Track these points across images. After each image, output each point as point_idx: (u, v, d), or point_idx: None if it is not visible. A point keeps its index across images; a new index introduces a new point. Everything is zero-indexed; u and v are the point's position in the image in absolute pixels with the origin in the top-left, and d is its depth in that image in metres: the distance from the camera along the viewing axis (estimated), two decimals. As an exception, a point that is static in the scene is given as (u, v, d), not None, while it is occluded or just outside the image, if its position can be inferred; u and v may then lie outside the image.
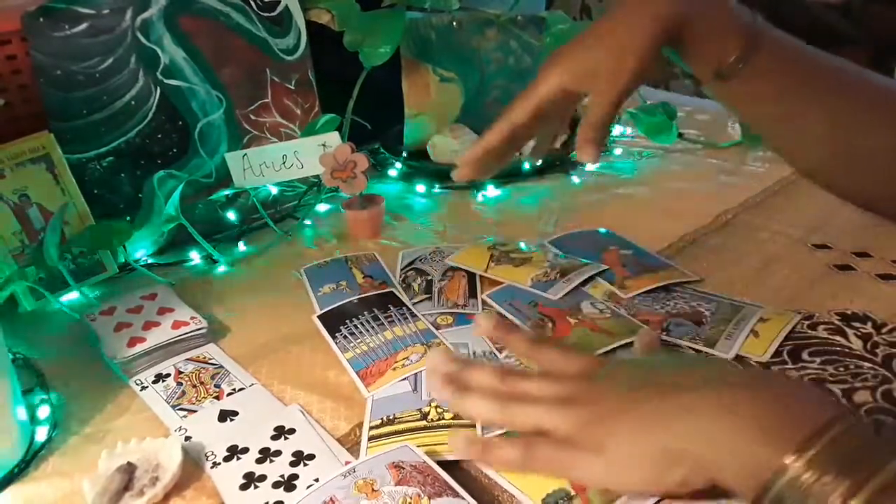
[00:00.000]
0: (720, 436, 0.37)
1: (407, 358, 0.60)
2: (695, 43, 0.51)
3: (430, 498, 0.45)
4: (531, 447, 0.43)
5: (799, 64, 0.53)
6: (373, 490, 0.45)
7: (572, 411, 0.43)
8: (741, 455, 0.35)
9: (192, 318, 0.66)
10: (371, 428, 0.53)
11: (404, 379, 0.58)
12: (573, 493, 0.46)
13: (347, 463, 0.50)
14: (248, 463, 0.51)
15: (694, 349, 0.58)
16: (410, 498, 0.45)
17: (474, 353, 0.60)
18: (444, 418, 0.53)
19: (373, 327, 0.64)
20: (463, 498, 0.45)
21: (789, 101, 0.53)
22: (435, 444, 0.51)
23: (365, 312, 0.66)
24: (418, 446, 0.50)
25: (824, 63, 0.54)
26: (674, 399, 0.40)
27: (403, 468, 0.47)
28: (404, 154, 0.97)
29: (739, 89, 0.52)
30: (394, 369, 0.59)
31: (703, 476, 0.38)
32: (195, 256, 0.80)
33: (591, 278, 0.69)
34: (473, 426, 0.52)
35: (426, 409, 0.55)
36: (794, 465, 0.33)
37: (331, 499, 0.45)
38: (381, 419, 0.54)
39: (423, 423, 0.53)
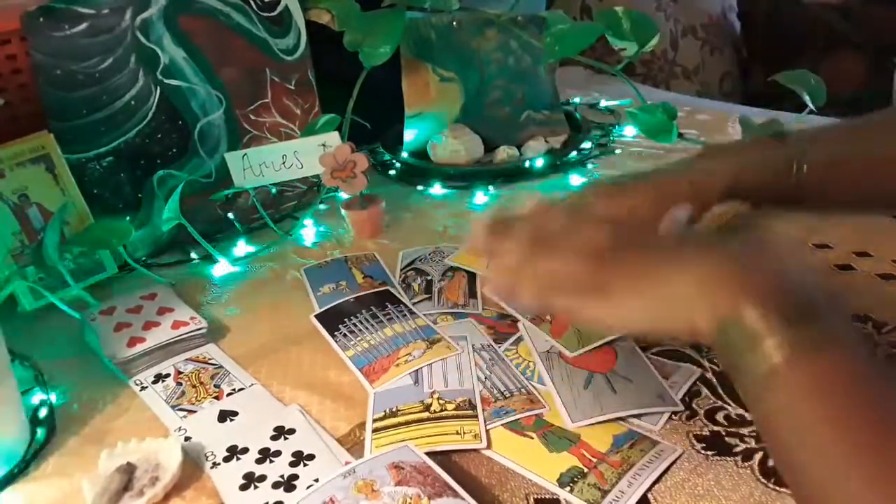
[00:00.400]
0: (699, 286, 0.41)
1: (409, 354, 0.60)
2: None
3: (430, 498, 0.45)
4: (551, 288, 0.46)
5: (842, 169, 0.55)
6: (373, 490, 0.45)
7: (587, 260, 0.45)
8: (710, 297, 0.40)
9: (191, 318, 0.66)
10: (374, 420, 0.54)
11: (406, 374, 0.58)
12: (585, 469, 0.48)
13: (347, 463, 0.50)
14: (247, 463, 0.51)
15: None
16: (410, 498, 0.45)
17: (473, 347, 0.61)
18: (446, 410, 0.54)
19: (372, 325, 0.64)
20: (463, 498, 0.44)
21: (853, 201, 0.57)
22: (438, 436, 0.51)
23: (363, 311, 0.66)
24: (421, 437, 0.50)
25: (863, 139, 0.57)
26: (670, 255, 0.44)
27: (403, 468, 0.47)
28: (404, 154, 0.97)
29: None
30: (397, 365, 0.59)
31: (686, 320, 0.41)
32: (195, 256, 0.79)
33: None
34: (475, 417, 0.53)
35: (428, 400, 0.55)
36: (748, 311, 0.38)
37: (330, 499, 0.45)
38: (384, 412, 0.55)
39: (426, 414, 0.54)
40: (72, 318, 0.68)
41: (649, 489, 0.47)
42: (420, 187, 0.93)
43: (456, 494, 0.45)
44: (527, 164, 0.94)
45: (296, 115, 0.89)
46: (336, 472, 0.47)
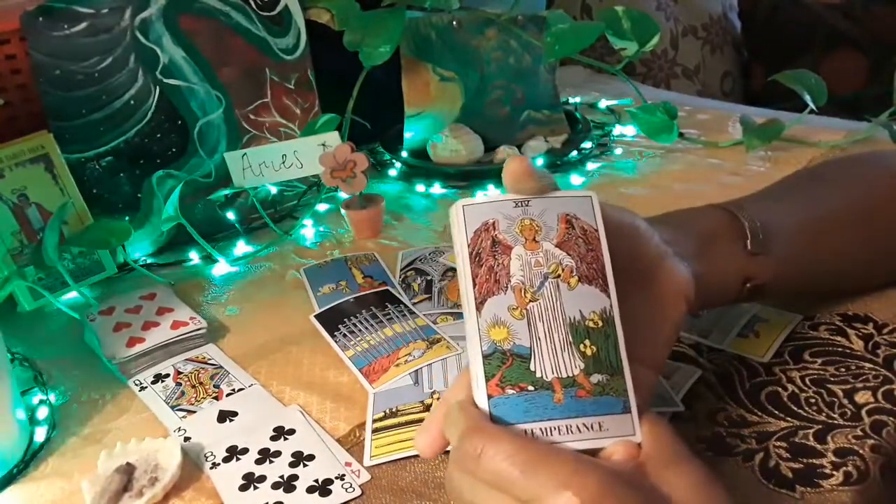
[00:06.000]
0: None
1: (410, 354, 0.60)
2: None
3: (579, 279, 0.40)
4: None
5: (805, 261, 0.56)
6: (534, 240, 0.41)
7: None
8: None
9: (191, 318, 0.66)
10: (374, 421, 0.54)
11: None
12: None
13: (348, 464, 0.50)
14: (247, 464, 0.51)
15: (686, 337, 0.59)
16: (562, 270, 0.40)
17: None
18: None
19: (371, 325, 0.64)
20: (609, 297, 0.40)
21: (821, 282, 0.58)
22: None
23: (363, 311, 0.66)
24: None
25: (828, 210, 0.57)
26: None
27: (573, 227, 0.41)
28: (404, 154, 0.97)
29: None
30: (397, 365, 0.59)
31: None
32: (194, 256, 0.79)
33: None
34: None
35: (428, 401, 0.55)
36: None
37: (494, 223, 0.41)
38: (384, 412, 0.54)
39: (427, 414, 0.54)
40: (71, 318, 0.67)
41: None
42: (420, 187, 0.93)
43: (605, 289, 0.40)
44: (527, 163, 0.94)
45: (295, 115, 0.89)
46: (508, 197, 0.41)
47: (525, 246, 0.40)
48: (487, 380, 0.38)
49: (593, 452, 0.38)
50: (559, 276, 0.40)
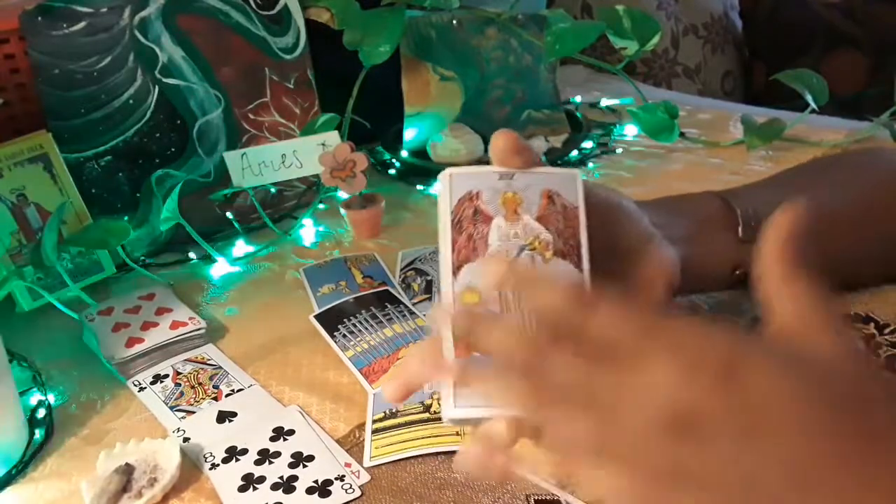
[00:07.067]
0: None
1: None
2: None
3: (554, 253, 0.41)
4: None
5: None
6: (515, 212, 0.42)
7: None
8: None
9: (190, 318, 0.66)
10: (374, 421, 0.54)
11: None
12: None
13: (347, 465, 0.50)
14: (246, 464, 0.51)
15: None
16: (539, 243, 0.41)
17: None
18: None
19: (371, 326, 0.64)
20: (583, 273, 0.40)
21: None
22: (438, 436, 0.51)
23: (363, 311, 0.66)
24: (421, 438, 0.50)
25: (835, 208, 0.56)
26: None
27: (554, 203, 0.42)
28: (404, 154, 0.97)
29: None
30: (396, 366, 0.59)
31: None
32: (193, 256, 0.79)
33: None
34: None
35: (428, 401, 0.55)
36: None
37: (477, 193, 0.42)
38: (384, 412, 0.54)
39: (426, 415, 0.53)
40: (70, 318, 0.67)
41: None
42: (420, 187, 0.92)
43: (578, 264, 0.40)
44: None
45: (295, 115, 0.89)
46: (495, 170, 0.42)
47: (506, 217, 0.42)
48: (455, 341, 0.39)
49: None
50: (535, 248, 0.41)
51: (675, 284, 0.47)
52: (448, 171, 0.43)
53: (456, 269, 0.41)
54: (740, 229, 0.53)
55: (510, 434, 0.34)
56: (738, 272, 0.53)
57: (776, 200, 0.57)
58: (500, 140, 0.42)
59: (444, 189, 0.42)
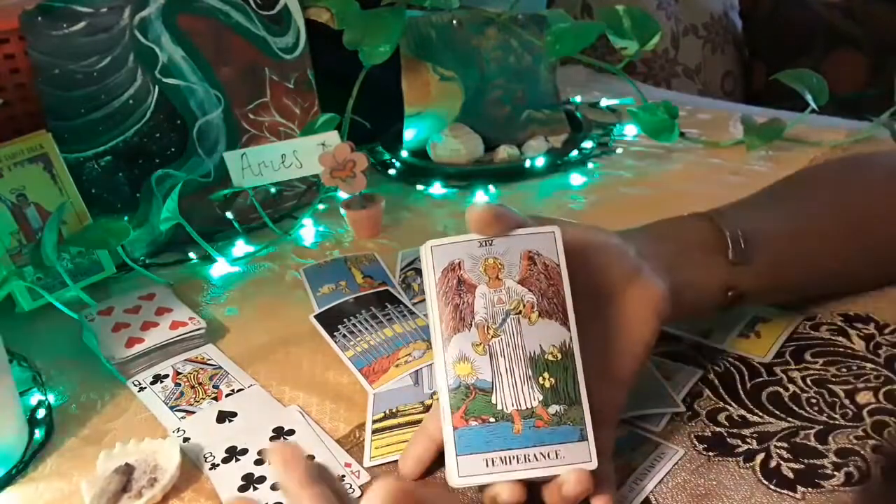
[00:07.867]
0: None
1: (409, 354, 0.60)
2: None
3: (539, 314, 0.43)
4: None
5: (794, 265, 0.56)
6: (497, 277, 0.43)
7: None
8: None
9: (190, 318, 0.66)
10: (374, 421, 0.54)
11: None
12: None
13: (347, 465, 0.50)
14: (247, 464, 0.51)
15: (687, 337, 0.59)
16: (524, 305, 0.43)
17: None
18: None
19: (371, 325, 0.64)
20: (569, 330, 0.42)
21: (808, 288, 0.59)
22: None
23: (363, 311, 0.66)
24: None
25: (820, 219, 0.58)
26: None
27: (535, 263, 0.44)
28: (404, 154, 0.97)
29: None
30: (396, 366, 0.59)
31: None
32: (193, 256, 0.79)
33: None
34: None
35: (428, 401, 0.55)
36: None
37: (459, 262, 0.44)
38: (384, 412, 0.54)
39: (426, 415, 0.53)
40: (70, 318, 0.67)
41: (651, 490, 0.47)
42: (420, 187, 0.92)
43: (565, 322, 0.42)
44: (527, 163, 0.93)
45: (295, 115, 0.89)
46: (473, 238, 0.44)
47: (489, 284, 0.43)
48: (453, 412, 0.42)
49: (550, 479, 0.41)
50: (520, 312, 0.43)
51: (664, 315, 0.48)
52: (429, 243, 0.44)
53: (446, 341, 0.43)
54: (730, 252, 0.53)
55: (513, 496, 0.41)
56: (731, 294, 0.53)
57: (764, 218, 0.57)
58: (476, 213, 0.44)
59: (426, 262, 0.44)
